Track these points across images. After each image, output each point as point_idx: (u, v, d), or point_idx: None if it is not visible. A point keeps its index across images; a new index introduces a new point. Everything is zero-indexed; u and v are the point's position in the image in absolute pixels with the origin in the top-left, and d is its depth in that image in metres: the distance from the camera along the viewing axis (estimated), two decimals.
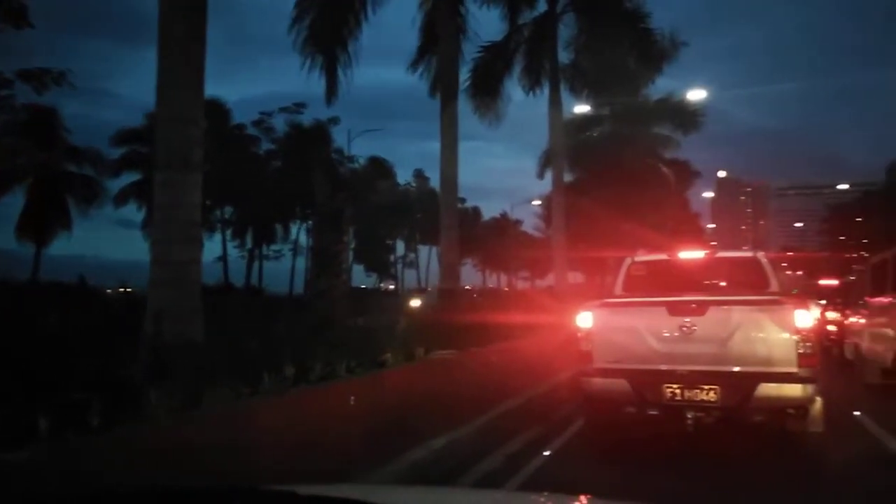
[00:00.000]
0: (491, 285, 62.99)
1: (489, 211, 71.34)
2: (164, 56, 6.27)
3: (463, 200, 43.52)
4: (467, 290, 27.53)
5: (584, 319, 5.92)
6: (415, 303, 25.51)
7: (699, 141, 25.57)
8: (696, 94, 22.90)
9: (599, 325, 5.85)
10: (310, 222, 38.34)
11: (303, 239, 40.95)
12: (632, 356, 5.65)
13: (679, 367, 5.45)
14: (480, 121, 17.97)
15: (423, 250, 59.10)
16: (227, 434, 3.85)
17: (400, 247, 58.97)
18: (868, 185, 70.86)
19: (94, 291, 16.48)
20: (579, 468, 5.59)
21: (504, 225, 60.92)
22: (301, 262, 40.30)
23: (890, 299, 9.50)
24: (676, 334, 5.48)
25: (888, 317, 9.61)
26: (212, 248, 37.47)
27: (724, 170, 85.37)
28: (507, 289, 55.85)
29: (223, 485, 1.71)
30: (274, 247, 41.40)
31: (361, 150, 45.74)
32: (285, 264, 41.68)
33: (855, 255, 47.93)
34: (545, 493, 2.96)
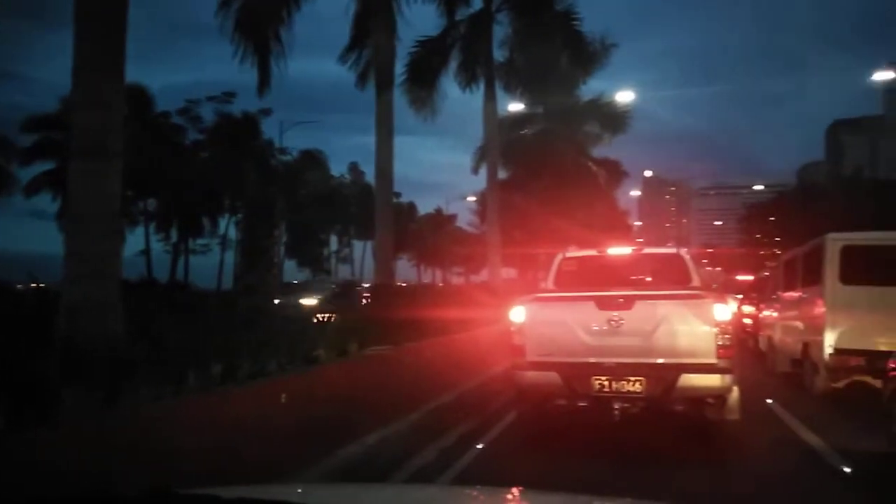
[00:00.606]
0: (426, 281, 63.14)
1: (425, 206, 71.27)
2: (80, 36, 5.89)
3: (398, 195, 43.28)
4: (402, 285, 27.39)
5: (517, 314, 6.01)
6: (307, 301, 21.72)
7: (627, 141, 26.35)
8: (624, 96, 23.65)
9: (532, 319, 5.95)
10: (239, 216, 37.25)
11: (232, 233, 39.73)
12: (563, 349, 5.78)
13: (607, 360, 5.61)
14: (416, 115, 17.94)
15: (358, 245, 58.52)
16: (147, 436, 3.67)
17: (334, 242, 58.25)
18: (781, 186, 75.41)
19: (1, 286, 15.37)
20: (512, 460, 5.67)
21: (439, 220, 61.17)
22: (230, 257, 39.09)
23: (799, 294, 10.10)
24: (605, 328, 5.64)
25: (798, 310, 10.23)
26: (134, 241, 35.79)
27: (650, 169, 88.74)
28: (442, 284, 56.12)
29: (139, 490, 1.61)
30: (201, 241, 39.96)
31: (296, 143, 44.85)
32: (213, 259, 40.31)
33: (769, 252, 50.85)
34: (477, 487, 2.97)
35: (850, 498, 4.82)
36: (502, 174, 22.80)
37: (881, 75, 39.33)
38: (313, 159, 41.15)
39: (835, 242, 8.68)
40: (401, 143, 14.22)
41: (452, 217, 60.50)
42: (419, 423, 6.44)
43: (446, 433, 6.27)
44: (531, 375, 5.86)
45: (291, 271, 51.38)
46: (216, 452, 3.84)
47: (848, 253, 8.52)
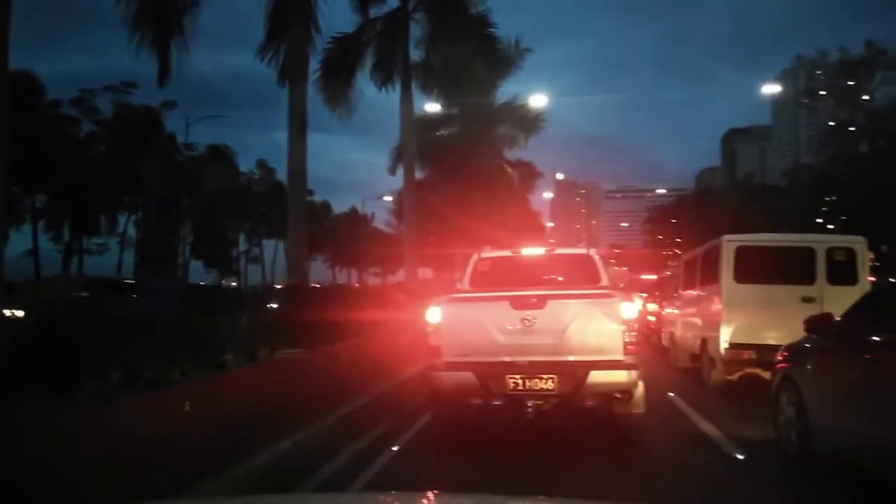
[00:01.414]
0: (341, 282, 62.22)
1: (341, 206, 70.18)
2: None
3: (311, 193, 42.29)
4: (316, 286, 26.80)
5: (433, 314, 6.00)
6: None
7: (540, 144, 27.09)
8: (537, 100, 24.28)
9: (447, 319, 5.96)
10: (140, 213, 35.25)
11: (132, 231, 37.54)
12: (478, 349, 5.82)
13: (521, 359, 5.70)
14: (331, 113, 17.64)
15: (269, 245, 56.81)
16: (33, 454, 3.37)
17: (244, 241, 56.25)
18: (681, 190, 79.92)
19: None
20: (427, 461, 5.66)
21: (355, 220, 60.50)
22: (130, 257, 36.92)
23: (698, 292, 10.71)
24: (519, 327, 5.73)
25: (696, 307, 10.84)
26: (20, 240, 33.07)
27: (561, 172, 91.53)
28: (357, 285, 55.50)
29: None
30: (97, 239, 37.54)
31: (206, 139, 42.64)
32: (111, 259, 37.95)
33: (671, 253, 53.72)
34: (392, 493, 2.92)
35: (742, 483, 5.13)
36: (419, 174, 22.86)
37: (769, 88, 42.63)
38: (221, 155, 39.61)
39: (730, 243, 9.25)
40: (316, 141, 13.95)
41: (368, 216, 60.03)
42: (334, 427, 6.30)
43: (361, 436, 6.18)
44: (447, 376, 5.86)
45: (198, 272, 49.25)
46: (114, 467, 3.58)
47: (741, 253, 9.11)
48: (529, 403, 5.71)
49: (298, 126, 13.39)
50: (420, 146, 21.82)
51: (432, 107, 22.11)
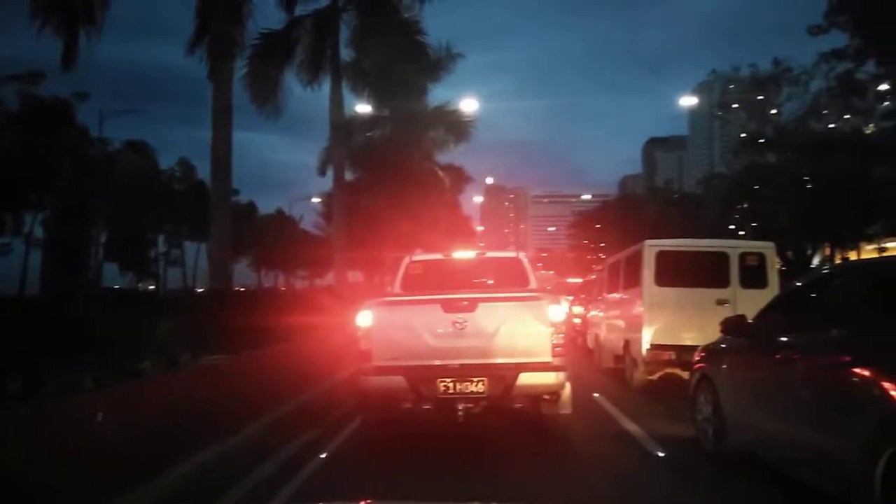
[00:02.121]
0: (267, 285, 60.62)
1: (267, 206, 68.26)
2: None
3: (237, 192, 40.98)
4: (241, 290, 25.95)
5: (364, 318, 5.91)
6: None
7: (471, 148, 27.33)
8: (468, 105, 24.47)
9: (378, 323, 5.88)
10: (48, 211, 33.08)
11: (39, 231, 35.18)
12: (409, 353, 5.77)
13: (452, 362, 5.70)
14: (259, 111, 17.15)
15: (191, 247, 54.61)
16: None
17: (163, 243, 53.81)
18: (605, 196, 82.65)
19: None
20: (357, 468, 5.56)
21: (283, 221, 59.07)
22: (37, 258, 34.57)
23: (621, 295, 11.07)
24: (450, 330, 5.72)
25: (619, 310, 11.20)
26: None
27: (491, 176, 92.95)
28: (284, 288, 54.20)
29: None
30: (1, 239, 34.98)
31: (126, 135, 40.32)
32: (15, 260, 35.44)
33: (595, 257, 55.44)
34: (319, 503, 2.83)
35: (663, 478, 5.32)
36: (349, 176, 22.58)
37: (686, 100, 44.75)
38: (139, 152, 37.79)
39: (651, 248, 9.61)
40: (243, 140, 13.54)
41: (297, 219, 58.77)
42: (260, 434, 6.10)
43: (288, 444, 6.01)
44: (377, 380, 5.79)
45: (113, 275, 46.80)
46: (15, 487, 3.31)
47: (662, 258, 9.48)
48: (460, 407, 5.71)
49: (223, 122, 12.95)
50: (351, 147, 21.56)
51: (363, 108, 21.92)
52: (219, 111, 12.91)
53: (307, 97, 18.25)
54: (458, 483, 4.84)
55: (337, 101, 17.85)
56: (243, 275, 56.35)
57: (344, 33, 17.85)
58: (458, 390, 5.67)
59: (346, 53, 18.30)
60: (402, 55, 17.33)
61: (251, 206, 60.24)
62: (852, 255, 33.96)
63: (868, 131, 25.25)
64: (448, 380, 5.67)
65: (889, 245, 40.80)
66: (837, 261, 32.82)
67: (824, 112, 32.44)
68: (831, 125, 32.29)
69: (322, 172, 22.88)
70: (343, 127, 18.82)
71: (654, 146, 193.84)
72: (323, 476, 5.29)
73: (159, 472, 4.51)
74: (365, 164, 25.05)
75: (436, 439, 6.11)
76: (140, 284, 49.83)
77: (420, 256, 8.37)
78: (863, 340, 3.86)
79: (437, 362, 5.72)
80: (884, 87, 16.81)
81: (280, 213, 61.22)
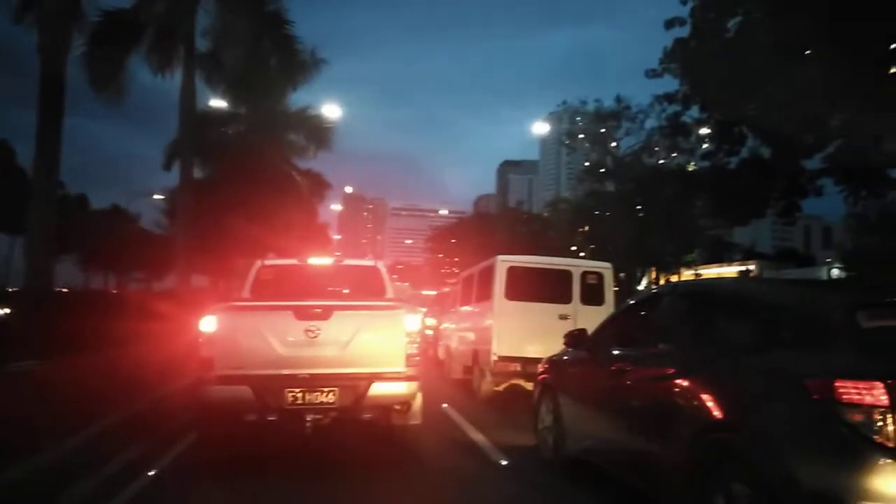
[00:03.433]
0: (96, 286, 55.00)
1: (102, 201, 62.19)
2: None
3: (62, 185, 36.80)
4: (63, 291, 23.31)
5: (208, 324, 5.51)
6: None
7: (331, 156, 26.90)
8: (331, 111, 24.11)
9: (223, 329, 5.52)
10: None
11: None
12: (256, 361, 5.48)
13: (302, 371, 5.48)
14: (96, 96, 15.59)
15: (3, 240, 48.18)
16: None
17: None
18: (461, 213, 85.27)
19: None
20: (188, 487, 5.15)
21: (118, 218, 54.04)
22: None
23: (473, 307, 11.41)
24: (302, 338, 5.51)
25: (470, 322, 11.54)
26: None
27: (350, 185, 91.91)
28: (116, 291, 49.48)
29: None
30: None
31: None
32: None
33: (450, 271, 56.88)
34: None
35: (504, 486, 5.51)
36: (199, 173, 21.18)
37: (538, 127, 47.62)
38: None
39: (502, 263, 10.02)
40: (75, 126, 12.17)
41: (135, 216, 54.06)
42: (78, 450, 5.46)
43: (112, 459, 5.43)
44: (219, 390, 5.41)
45: None
46: None
47: (512, 273, 9.91)
48: (308, 418, 5.50)
49: (52, 103, 11.57)
50: (202, 143, 20.29)
51: (218, 103, 20.76)
52: (47, 90, 11.53)
53: (158, 86, 16.85)
54: (301, 499, 4.65)
55: (189, 92, 16.70)
56: (68, 274, 50.80)
57: (203, 20, 16.79)
58: (307, 401, 5.47)
59: (204, 44, 17.24)
60: (265, 50, 16.64)
61: (82, 200, 54.60)
62: (674, 279, 37.92)
63: (691, 169, 28.41)
64: (297, 390, 5.45)
65: (703, 271, 46.17)
66: (662, 282, 36.40)
67: (656, 148, 36.10)
68: (661, 160, 35.96)
69: (167, 167, 21.29)
70: (195, 120, 17.65)
71: (508, 168, 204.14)
72: (150, 496, 4.84)
73: None
74: (217, 161, 23.69)
75: (279, 453, 5.84)
76: None
77: (272, 261, 8.04)
78: (685, 354, 4.27)
79: (286, 371, 5.47)
80: (705, 130, 18.99)
81: (116, 208, 56.04)
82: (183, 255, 17.08)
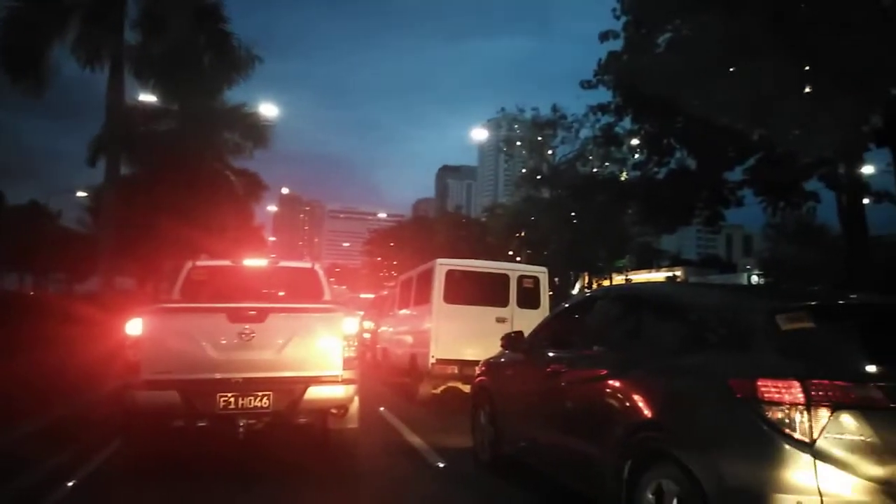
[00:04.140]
0: (9, 287, 51.66)
1: (17, 197, 58.41)
2: None
3: None
4: None
5: (134, 326, 5.28)
6: None
7: (268, 156, 26.29)
8: (268, 109, 23.58)
9: (151, 332, 5.29)
10: None
11: None
12: (186, 366, 5.28)
13: (235, 375, 5.33)
14: (12, 86, 14.70)
15: None
16: None
17: None
18: (399, 216, 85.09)
19: None
20: (110, 496, 4.91)
21: (36, 215, 51.02)
22: None
23: (411, 311, 11.40)
24: (235, 341, 5.35)
25: (409, 325, 11.53)
26: None
27: (287, 186, 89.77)
28: (33, 293, 46.65)
29: None
30: None
31: None
32: None
33: (388, 274, 56.61)
34: None
35: (442, 488, 5.52)
36: (126, 170, 20.26)
37: (477, 133, 48.14)
38: None
39: (442, 266, 10.06)
40: None
41: (55, 214, 51.19)
42: None
43: (26, 471, 5.11)
44: (146, 395, 5.18)
45: None
46: None
47: (451, 276, 9.97)
48: (241, 423, 5.34)
49: None
50: (130, 139, 19.43)
51: (148, 97, 19.95)
52: None
53: (85, 79, 16.01)
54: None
55: (117, 84, 15.97)
56: None
57: (134, 11, 16.09)
58: (240, 406, 5.31)
59: (132, 37, 16.52)
60: (199, 45, 16.10)
61: None
62: (606, 283, 39.07)
63: (622, 178, 29.37)
64: (229, 394, 5.28)
65: (633, 276, 47.78)
66: (595, 287, 37.45)
67: (590, 157, 37.14)
68: (595, 169, 37.02)
69: (92, 163, 20.25)
70: (123, 115, 16.89)
71: (447, 173, 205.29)
72: None
73: None
74: (146, 159, 22.71)
75: (209, 459, 5.65)
76: None
77: (204, 262, 7.79)
78: (617, 356, 4.40)
79: (219, 375, 5.30)
80: (636, 141, 19.69)
81: (34, 205, 52.92)
82: (107, 256, 16.29)
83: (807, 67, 12.38)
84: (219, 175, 25.19)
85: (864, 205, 15.34)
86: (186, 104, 20.88)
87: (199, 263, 7.48)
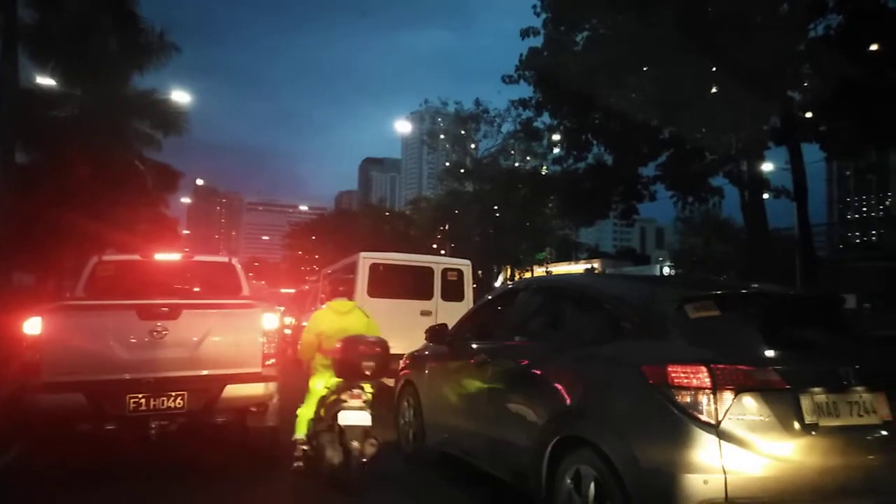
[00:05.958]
0: None
1: None
2: None
3: None
4: None
5: (33, 326, 4.92)
6: None
7: (180, 146, 25.11)
8: (180, 96, 22.53)
9: (52, 331, 4.95)
10: None
11: None
12: (92, 366, 4.98)
13: (147, 375, 5.07)
14: None
15: None
16: None
17: None
18: (321, 209, 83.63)
19: None
20: None
21: None
22: None
23: None
24: (146, 340, 5.09)
25: None
26: None
27: (203, 178, 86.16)
28: None
29: None
30: None
31: None
32: None
33: (309, 268, 55.55)
34: None
35: (365, 482, 5.46)
36: (22, 158, 18.82)
37: (401, 126, 47.94)
38: None
39: (365, 259, 9.96)
40: None
41: None
42: None
43: None
44: (48, 398, 4.85)
45: None
46: None
47: (374, 269, 9.88)
48: (153, 424, 5.09)
49: None
50: (27, 125, 18.05)
51: (46, 81, 18.62)
52: None
53: None
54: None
55: (9, 65, 14.78)
56: None
57: None
58: (152, 407, 5.06)
59: (27, 14, 15.34)
60: (103, 25, 15.15)
61: None
62: (527, 275, 39.99)
63: (543, 172, 30.07)
64: (140, 395, 5.03)
65: (553, 268, 49.14)
66: (517, 279, 38.26)
67: (512, 152, 37.83)
68: (517, 164, 37.73)
69: None
70: (17, 99, 15.65)
71: (370, 165, 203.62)
72: None
73: None
74: (45, 147, 21.19)
75: (119, 463, 5.36)
76: None
77: (112, 257, 7.36)
78: (537, 346, 4.51)
79: (128, 376, 5.03)
80: (556, 136, 20.21)
81: None
82: (1, 250, 15.10)
83: (713, 68, 13.10)
84: (127, 165, 23.83)
85: (764, 200, 16.43)
86: (90, 89, 19.62)
87: (105, 258, 7.04)
